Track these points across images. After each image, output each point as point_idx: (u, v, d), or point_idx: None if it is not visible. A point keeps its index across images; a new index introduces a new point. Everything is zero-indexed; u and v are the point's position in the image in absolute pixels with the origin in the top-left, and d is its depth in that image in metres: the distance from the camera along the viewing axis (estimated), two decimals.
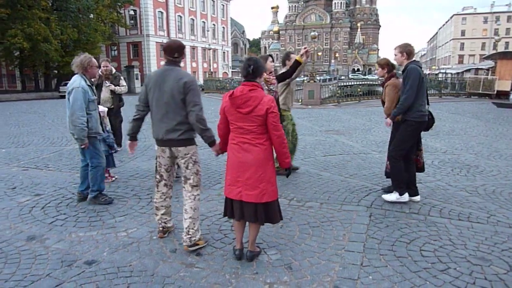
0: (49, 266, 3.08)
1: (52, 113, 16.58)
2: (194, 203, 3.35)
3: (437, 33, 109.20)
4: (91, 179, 4.57)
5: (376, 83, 26.36)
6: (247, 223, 3.15)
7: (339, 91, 20.76)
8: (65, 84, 32.62)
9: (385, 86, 4.78)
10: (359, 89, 21.70)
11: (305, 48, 5.16)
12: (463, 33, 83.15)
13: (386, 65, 4.81)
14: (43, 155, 7.53)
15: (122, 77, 7.64)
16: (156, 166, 3.55)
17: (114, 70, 7.52)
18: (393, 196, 4.52)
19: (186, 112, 3.20)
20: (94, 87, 4.68)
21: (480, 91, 21.23)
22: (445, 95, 22.67)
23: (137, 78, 42.96)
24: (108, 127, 5.77)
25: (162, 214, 3.57)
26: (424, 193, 4.90)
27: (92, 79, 4.73)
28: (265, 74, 4.20)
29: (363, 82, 27.68)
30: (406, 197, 4.51)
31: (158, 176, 3.52)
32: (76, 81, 4.36)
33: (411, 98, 4.24)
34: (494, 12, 77.39)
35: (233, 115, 2.95)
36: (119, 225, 3.95)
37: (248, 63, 2.96)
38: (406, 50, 4.42)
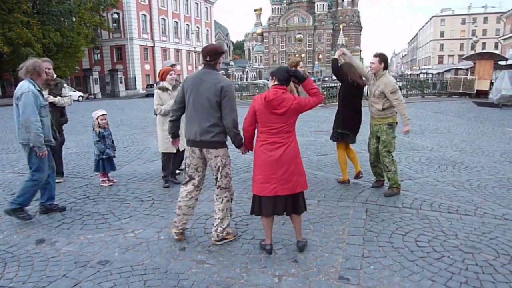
0: (64, 267, 3.18)
1: None
2: (222, 205, 3.50)
3: (417, 34, 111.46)
4: (22, 189, 4.18)
5: None
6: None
7: (324, 92, 21.04)
8: None
9: None
10: None
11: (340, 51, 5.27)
12: (442, 34, 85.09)
13: None
14: None
15: (65, 85, 6.03)
16: (185, 166, 3.67)
17: (54, 76, 5.83)
18: None
19: (219, 115, 3.32)
20: (43, 93, 4.44)
21: (461, 91, 21.88)
22: (427, 95, 23.28)
23: (121, 82, 42.61)
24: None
25: (184, 214, 3.59)
26: (415, 189, 5.15)
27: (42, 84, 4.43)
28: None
29: None
30: None
31: (187, 176, 3.60)
32: (24, 86, 4.10)
33: None
34: (471, 14, 79.53)
35: (266, 116, 3.17)
36: (126, 226, 4.06)
37: (289, 72, 3.27)
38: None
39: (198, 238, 3.71)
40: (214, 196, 3.57)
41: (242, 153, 3.56)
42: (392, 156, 4.96)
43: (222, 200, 3.51)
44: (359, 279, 2.93)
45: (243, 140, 3.45)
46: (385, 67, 4.89)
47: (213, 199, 3.61)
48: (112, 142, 5.78)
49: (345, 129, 5.28)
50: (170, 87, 5.42)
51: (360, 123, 5.32)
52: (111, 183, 5.66)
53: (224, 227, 3.51)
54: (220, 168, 3.46)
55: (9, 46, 27.65)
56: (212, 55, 3.40)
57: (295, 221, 3.41)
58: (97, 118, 5.63)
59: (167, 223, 4.10)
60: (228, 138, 3.47)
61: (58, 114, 5.70)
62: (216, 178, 3.52)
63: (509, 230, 3.82)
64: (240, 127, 3.42)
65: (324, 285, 2.85)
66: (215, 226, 3.53)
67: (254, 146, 3.38)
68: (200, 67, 4.01)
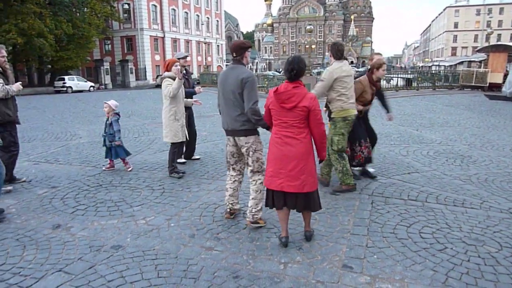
0: (79, 251, 3.33)
1: (51, 108, 16.67)
2: (255, 186, 3.73)
3: (430, 25, 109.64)
4: None
5: None
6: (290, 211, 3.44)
7: None
8: (60, 79, 32.62)
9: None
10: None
11: None
12: (456, 25, 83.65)
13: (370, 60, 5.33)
14: (51, 149, 7.73)
15: None
16: (226, 153, 3.94)
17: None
18: None
19: (244, 104, 3.53)
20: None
21: (473, 84, 21.58)
22: (438, 88, 23.03)
23: (131, 73, 42.93)
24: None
25: (230, 195, 3.93)
26: (421, 182, 5.20)
27: None
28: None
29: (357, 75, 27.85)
30: None
31: (227, 162, 3.96)
32: None
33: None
34: (487, 4, 77.85)
35: (277, 110, 3.20)
36: (137, 214, 4.20)
37: (291, 67, 3.13)
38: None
39: (207, 226, 3.83)
40: (249, 179, 3.82)
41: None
42: (340, 154, 4.73)
43: (256, 182, 3.74)
44: (362, 268, 3.02)
45: (267, 124, 3.49)
46: (337, 56, 4.62)
47: (248, 183, 3.90)
48: (111, 133, 5.86)
49: None
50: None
51: None
52: (111, 168, 6.00)
53: (258, 208, 3.72)
54: (251, 153, 3.69)
55: (22, 37, 28.02)
56: (237, 50, 3.61)
57: (305, 215, 3.46)
58: None
59: (177, 211, 4.23)
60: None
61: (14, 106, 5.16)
62: (247, 163, 3.78)
63: None
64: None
65: (328, 273, 2.95)
66: (250, 207, 3.74)
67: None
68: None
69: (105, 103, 5.98)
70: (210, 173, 5.75)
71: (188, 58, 7.10)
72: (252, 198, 3.73)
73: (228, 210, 3.98)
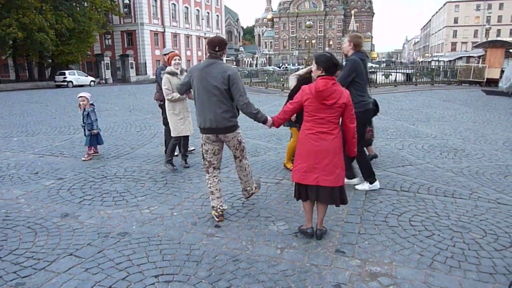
0: (88, 237, 3.53)
1: (54, 102, 16.84)
2: (246, 171, 4.04)
3: (430, 20, 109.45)
4: None
5: (371, 70, 26.62)
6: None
7: None
8: (61, 74, 32.71)
9: None
10: None
11: None
12: (456, 20, 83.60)
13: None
14: (55, 143, 7.92)
15: None
16: (202, 154, 3.92)
17: None
18: (366, 186, 4.73)
19: (230, 101, 3.65)
20: None
21: (471, 79, 21.75)
22: (437, 83, 23.17)
23: (131, 67, 42.98)
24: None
25: (218, 198, 3.88)
26: (414, 174, 5.39)
27: None
28: None
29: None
30: (377, 184, 4.75)
31: (206, 163, 3.89)
32: None
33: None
34: (487, 0, 77.76)
35: (315, 107, 3.21)
36: (141, 203, 4.40)
37: (336, 62, 3.23)
38: (354, 41, 4.56)
39: (208, 215, 4.03)
40: (237, 168, 4.07)
41: (269, 127, 3.80)
42: None
43: (245, 168, 4.02)
44: (354, 252, 3.22)
45: (264, 116, 3.66)
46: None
47: (236, 171, 4.16)
48: (90, 123, 6.47)
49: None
50: (178, 72, 5.62)
51: None
52: (94, 154, 6.66)
53: (250, 185, 4.05)
54: (237, 145, 3.87)
55: (23, 32, 28.12)
56: (221, 45, 3.65)
57: (321, 211, 3.40)
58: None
59: (180, 201, 4.44)
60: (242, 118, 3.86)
61: None
62: (235, 155, 3.97)
63: (500, 213, 4.05)
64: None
65: (322, 257, 3.15)
66: (244, 187, 4.12)
67: (298, 133, 3.46)
68: None
69: (82, 96, 6.46)
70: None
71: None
72: (245, 181, 4.05)
73: (220, 213, 3.87)
